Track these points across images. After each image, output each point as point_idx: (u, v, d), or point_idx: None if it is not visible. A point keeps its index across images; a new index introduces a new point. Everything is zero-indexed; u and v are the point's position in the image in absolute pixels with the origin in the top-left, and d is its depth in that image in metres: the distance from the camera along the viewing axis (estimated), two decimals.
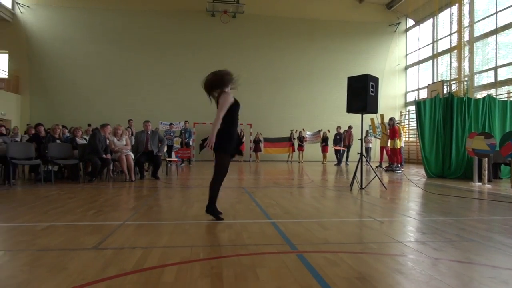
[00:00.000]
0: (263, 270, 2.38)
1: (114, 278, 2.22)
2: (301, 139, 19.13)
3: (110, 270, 2.34)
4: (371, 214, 4.48)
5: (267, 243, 3.09)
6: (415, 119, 20.54)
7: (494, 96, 11.34)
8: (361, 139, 7.67)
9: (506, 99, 13.36)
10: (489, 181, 8.44)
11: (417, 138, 19.88)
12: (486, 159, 8.04)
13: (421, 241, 3.16)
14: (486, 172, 8.03)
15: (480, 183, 8.20)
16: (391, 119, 12.50)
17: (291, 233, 3.42)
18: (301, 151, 19.20)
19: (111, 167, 8.70)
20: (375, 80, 7.33)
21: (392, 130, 12.27)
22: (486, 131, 9.77)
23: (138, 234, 3.32)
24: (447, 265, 2.56)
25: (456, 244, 3.09)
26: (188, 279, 2.22)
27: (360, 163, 7.16)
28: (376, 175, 7.60)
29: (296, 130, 19.35)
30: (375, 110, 7.30)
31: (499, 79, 15.80)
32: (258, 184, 8.12)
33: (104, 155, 8.00)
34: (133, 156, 8.64)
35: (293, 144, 19.49)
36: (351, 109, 7.33)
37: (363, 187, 7.01)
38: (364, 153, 17.68)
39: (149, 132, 9.12)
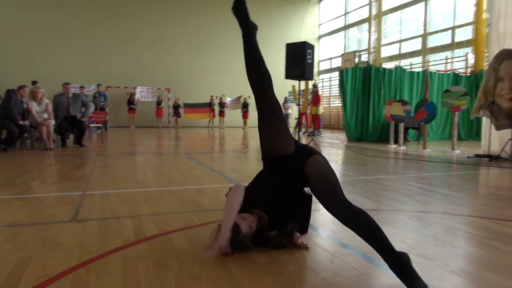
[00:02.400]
0: None
1: (125, 248, 2.08)
2: (222, 105, 19.12)
3: (113, 242, 2.19)
4: None
5: None
6: (328, 87, 22.00)
7: (404, 67, 12.50)
8: (298, 105, 7.96)
9: (408, 70, 14.85)
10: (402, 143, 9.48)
11: (330, 105, 21.32)
12: (402, 123, 8.98)
13: (387, 197, 3.49)
14: (402, 135, 9.00)
15: (395, 145, 9.18)
16: (315, 86, 13.10)
17: None
18: (222, 117, 19.22)
19: (31, 135, 7.79)
20: (312, 47, 7.57)
21: (315, 96, 12.90)
22: (397, 98, 10.83)
23: (111, 204, 3.10)
24: (420, 216, 2.89)
25: (415, 198, 3.49)
26: (200, 244, 2.18)
27: (298, 128, 7.48)
28: (312, 139, 8.02)
29: (216, 96, 19.22)
30: (311, 77, 7.59)
31: (402, 52, 17.46)
32: (195, 149, 8.01)
33: (21, 122, 7.11)
34: (53, 122, 7.83)
35: (213, 110, 19.38)
36: (289, 75, 7.51)
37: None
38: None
39: (70, 95, 8.30)
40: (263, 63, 2.21)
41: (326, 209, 1.97)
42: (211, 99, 19.27)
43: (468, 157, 7.04)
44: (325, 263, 1.95)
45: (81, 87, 15.52)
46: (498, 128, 6.95)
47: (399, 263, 1.63)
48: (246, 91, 19.03)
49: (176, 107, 18.99)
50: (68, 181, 4.12)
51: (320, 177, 2.02)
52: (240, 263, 1.90)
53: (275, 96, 2.20)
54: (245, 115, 18.64)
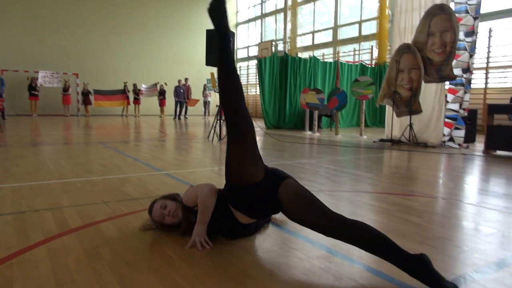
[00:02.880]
0: None
1: (49, 241, 1.96)
2: (137, 91, 18.31)
3: (34, 235, 2.04)
4: None
5: (180, 191, 3.13)
6: (245, 75, 22.29)
7: (318, 58, 13.18)
8: (219, 92, 7.96)
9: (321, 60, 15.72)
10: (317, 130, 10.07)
11: (247, 93, 21.65)
12: (317, 111, 9.53)
13: (309, 179, 3.72)
14: (316, 122, 9.55)
15: (310, 132, 9.72)
16: None
17: (194, 181, 3.51)
18: (137, 105, 18.43)
19: None
20: (232, 34, 7.62)
21: None
22: (312, 87, 11.43)
23: (25, 197, 2.86)
24: (338, 194, 3.16)
25: (332, 179, 3.78)
26: (132, 232, 2.15)
27: (219, 116, 7.51)
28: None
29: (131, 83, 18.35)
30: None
31: (315, 42, 18.36)
32: (112, 139, 7.61)
33: None
34: None
35: (128, 97, 18.48)
36: (210, 62, 7.48)
37: (222, 138, 7.43)
38: (203, 107, 18.17)
39: None
40: (236, 72, 1.96)
41: (318, 231, 1.77)
42: (125, 86, 18.32)
43: (374, 141, 7.75)
44: (258, 242, 2.05)
45: None
46: (398, 115, 7.74)
47: (421, 268, 1.48)
48: (162, 78, 18.51)
49: (85, 93, 17.72)
50: None
51: (299, 202, 1.81)
52: (176, 248, 1.91)
53: (248, 111, 1.94)
54: (162, 102, 18.07)
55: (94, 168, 4.16)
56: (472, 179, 4.14)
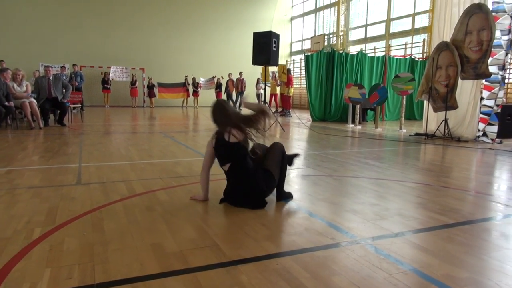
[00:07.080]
0: None
1: (123, 200, 2.93)
2: (196, 84, 19.68)
3: (113, 196, 3.02)
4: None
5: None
6: (298, 68, 22.85)
7: (364, 52, 13.46)
8: (264, 88, 8.80)
9: (372, 54, 15.87)
10: (359, 123, 10.53)
11: (300, 85, 22.23)
12: (358, 105, 10.00)
13: (324, 167, 4.44)
14: (358, 116, 10.03)
15: (353, 125, 10.22)
16: (288, 70, 13.93)
17: None
18: (196, 97, 19.83)
19: (15, 115, 8.34)
20: (277, 36, 8.38)
21: (288, 78, 13.74)
22: (358, 82, 11.84)
23: (105, 173, 3.91)
24: (342, 178, 3.85)
25: (347, 167, 4.46)
26: (178, 197, 3.05)
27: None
28: (276, 119, 8.91)
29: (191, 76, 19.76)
30: (276, 63, 8.44)
31: (368, 36, 18.43)
32: (171, 129, 8.76)
33: (6, 103, 7.65)
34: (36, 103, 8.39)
35: (187, 90, 19.94)
36: (256, 62, 8.32)
37: (265, 129, 8.24)
38: (256, 99, 19.01)
39: (50, 78, 8.83)
40: None
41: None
42: (185, 79, 19.78)
43: (409, 135, 8.14)
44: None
45: (62, 67, 15.70)
46: (435, 110, 8.04)
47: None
48: (219, 72, 19.71)
49: (150, 87, 19.42)
50: (63, 156, 4.86)
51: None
52: (204, 206, 2.78)
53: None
54: (218, 95, 19.29)
55: (154, 153, 5.19)
56: (479, 171, 4.56)
